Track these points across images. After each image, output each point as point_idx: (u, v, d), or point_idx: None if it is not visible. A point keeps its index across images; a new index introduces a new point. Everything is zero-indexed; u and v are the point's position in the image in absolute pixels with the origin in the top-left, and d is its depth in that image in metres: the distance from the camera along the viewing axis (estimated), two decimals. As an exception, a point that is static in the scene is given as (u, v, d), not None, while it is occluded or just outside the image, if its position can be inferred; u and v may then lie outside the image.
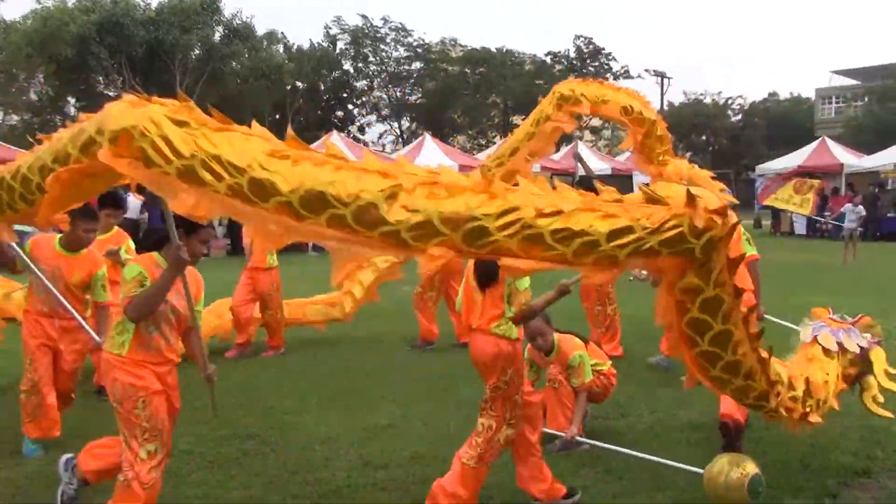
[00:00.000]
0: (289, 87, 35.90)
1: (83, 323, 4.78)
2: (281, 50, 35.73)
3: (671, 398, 5.83)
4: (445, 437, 4.94)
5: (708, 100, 49.03)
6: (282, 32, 36.39)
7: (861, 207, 18.36)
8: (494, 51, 43.12)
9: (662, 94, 41.09)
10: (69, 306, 4.71)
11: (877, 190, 25.02)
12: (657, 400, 5.83)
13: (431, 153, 24.63)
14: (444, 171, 2.73)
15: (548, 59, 44.99)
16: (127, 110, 2.77)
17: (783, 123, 46.36)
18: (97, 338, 4.70)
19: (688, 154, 39.73)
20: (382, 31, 41.97)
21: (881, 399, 4.26)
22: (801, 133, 40.73)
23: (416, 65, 43.60)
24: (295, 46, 38.20)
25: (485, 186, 2.63)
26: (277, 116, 36.14)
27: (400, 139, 43.74)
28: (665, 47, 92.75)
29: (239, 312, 7.63)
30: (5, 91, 31.01)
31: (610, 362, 5.20)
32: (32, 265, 4.68)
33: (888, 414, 4.24)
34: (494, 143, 33.78)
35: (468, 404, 5.68)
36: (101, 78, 31.33)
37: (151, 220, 16.48)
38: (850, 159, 27.28)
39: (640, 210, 2.59)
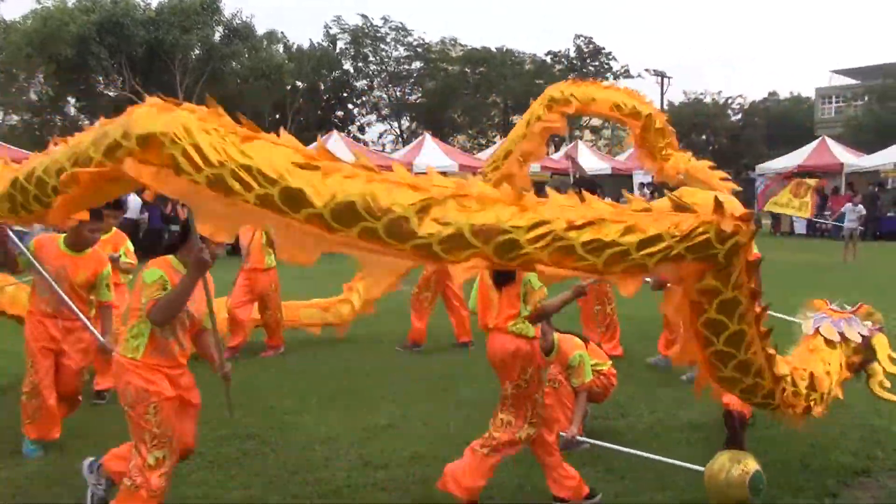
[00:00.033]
0: (289, 87, 35.79)
1: (88, 324, 4.77)
2: (281, 50, 35.66)
3: (671, 398, 5.84)
4: (445, 437, 4.95)
5: (708, 99, 48.89)
6: (282, 32, 36.32)
7: (861, 207, 18.37)
8: (494, 50, 43.03)
9: (662, 94, 41.08)
10: (74, 306, 4.70)
11: (877, 189, 25.07)
12: (657, 400, 5.84)
13: (431, 153, 24.66)
14: (474, 184, 2.74)
15: (548, 59, 44.89)
16: (154, 115, 2.75)
17: (783, 123, 46.23)
18: (102, 339, 4.71)
19: (688, 154, 39.57)
20: (382, 30, 41.91)
21: (888, 384, 4.31)
22: (801, 132, 40.64)
23: (416, 64, 43.52)
24: (295, 46, 38.11)
25: (515, 199, 2.66)
26: (277, 116, 36.06)
27: (400, 139, 43.68)
28: (665, 47, 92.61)
29: (236, 314, 7.54)
30: (5, 91, 30.92)
31: (610, 362, 5.19)
32: (38, 265, 4.67)
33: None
34: (494, 142, 33.83)
35: (468, 404, 5.70)
36: (101, 78, 31.22)
37: (151, 220, 16.52)
38: (850, 159, 27.27)
39: (670, 218, 2.62)
